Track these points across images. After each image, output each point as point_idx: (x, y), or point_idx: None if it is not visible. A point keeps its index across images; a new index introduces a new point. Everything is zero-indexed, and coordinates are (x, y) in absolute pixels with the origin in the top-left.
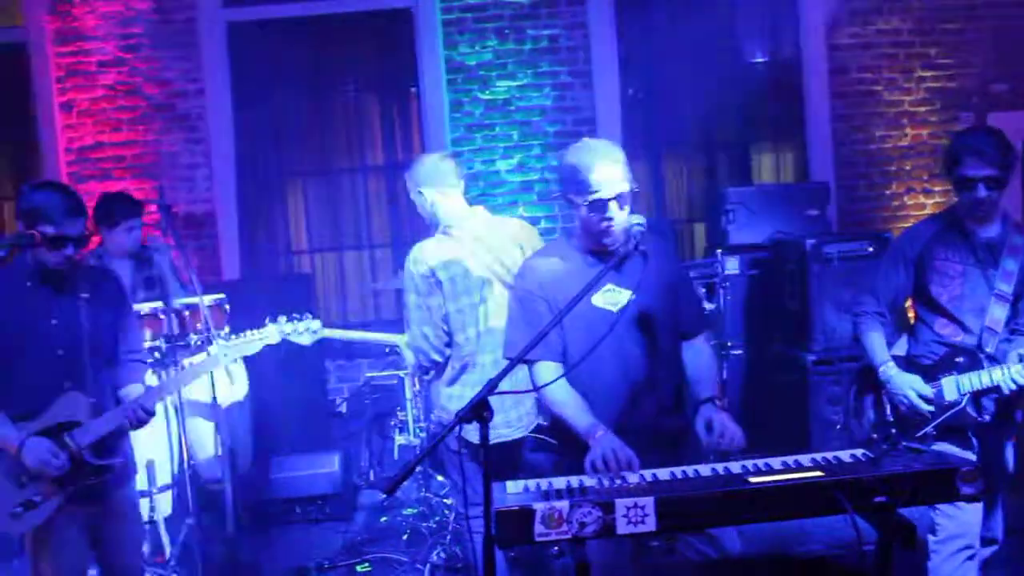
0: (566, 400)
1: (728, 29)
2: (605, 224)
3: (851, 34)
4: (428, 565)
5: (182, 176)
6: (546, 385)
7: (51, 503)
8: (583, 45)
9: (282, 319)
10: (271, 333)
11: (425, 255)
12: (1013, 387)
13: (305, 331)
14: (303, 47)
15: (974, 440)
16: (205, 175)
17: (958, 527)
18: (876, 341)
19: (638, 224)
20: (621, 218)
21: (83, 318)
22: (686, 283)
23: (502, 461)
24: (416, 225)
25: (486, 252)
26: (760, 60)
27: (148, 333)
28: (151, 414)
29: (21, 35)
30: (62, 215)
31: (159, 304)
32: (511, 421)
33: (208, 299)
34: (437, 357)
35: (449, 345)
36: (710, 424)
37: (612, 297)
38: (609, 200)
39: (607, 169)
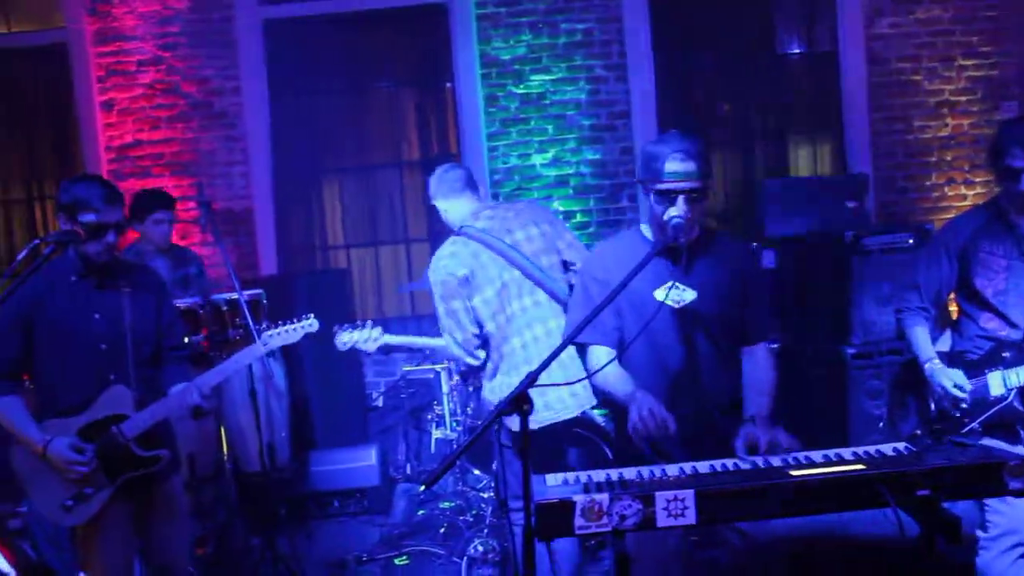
0: (614, 375)
1: (764, 19)
2: (671, 217)
3: (890, 23)
4: (465, 558)
5: (220, 173)
6: (598, 370)
7: (102, 495)
8: (617, 39)
9: (345, 334)
10: (312, 323)
11: (440, 261)
12: None
13: (368, 339)
14: (338, 43)
15: (1022, 433)
16: (242, 172)
17: (1010, 523)
18: (921, 336)
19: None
20: (690, 215)
21: (125, 312)
22: (758, 289)
23: (547, 447)
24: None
25: (497, 238)
26: (797, 51)
27: (189, 329)
28: (209, 399)
29: (62, 36)
30: (101, 202)
31: (199, 299)
32: (564, 399)
33: (246, 294)
34: (472, 360)
35: (483, 347)
36: (751, 445)
37: (675, 294)
38: (677, 194)
39: (681, 163)
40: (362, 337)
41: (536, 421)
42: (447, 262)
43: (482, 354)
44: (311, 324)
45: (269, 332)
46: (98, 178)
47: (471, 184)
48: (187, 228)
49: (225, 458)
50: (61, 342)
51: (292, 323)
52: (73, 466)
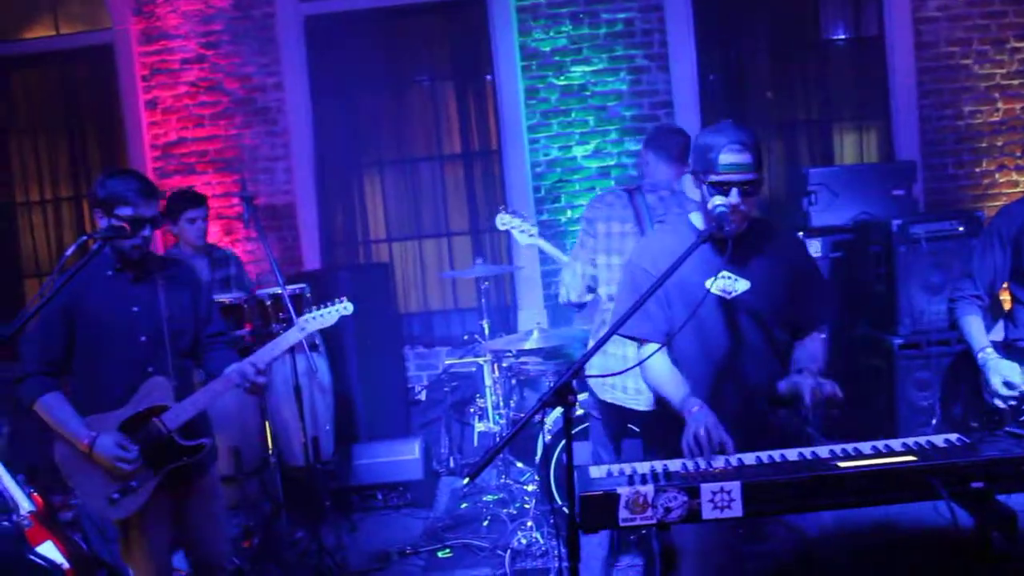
0: (666, 377)
1: (808, 4)
2: (716, 206)
3: (938, 6)
4: (509, 551)
5: (263, 169)
6: (643, 361)
7: (148, 487)
8: (659, 28)
9: (507, 216)
10: (347, 305)
11: (596, 197)
12: None
13: (524, 231)
14: (378, 38)
15: None
16: (285, 167)
17: None
18: (974, 325)
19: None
20: (744, 206)
21: (162, 304)
22: (813, 282)
23: (621, 423)
24: (493, 213)
25: (651, 223)
26: (842, 36)
27: (232, 323)
28: (263, 373)
29: (107, 37)
30: (137, 196)
31: (243, 295)
32: (628, 387)
33: (290, 289)
34: (573, 296)
35: (592, 291)
36: (793, 389)
37: (727, 284)
38: (732, 185)
39: (737, 154)
40: (519, 226)
41: (615, 398)
42: (597, 203)
43: (588, 297)
44: (346, 307)
45: (305, 316)
46: (134, 172)
47: (680, 159)
48: (231, 224)
49: (270, 452)
50: (102, 336)
51: (327, 306)
52: (119, 463)
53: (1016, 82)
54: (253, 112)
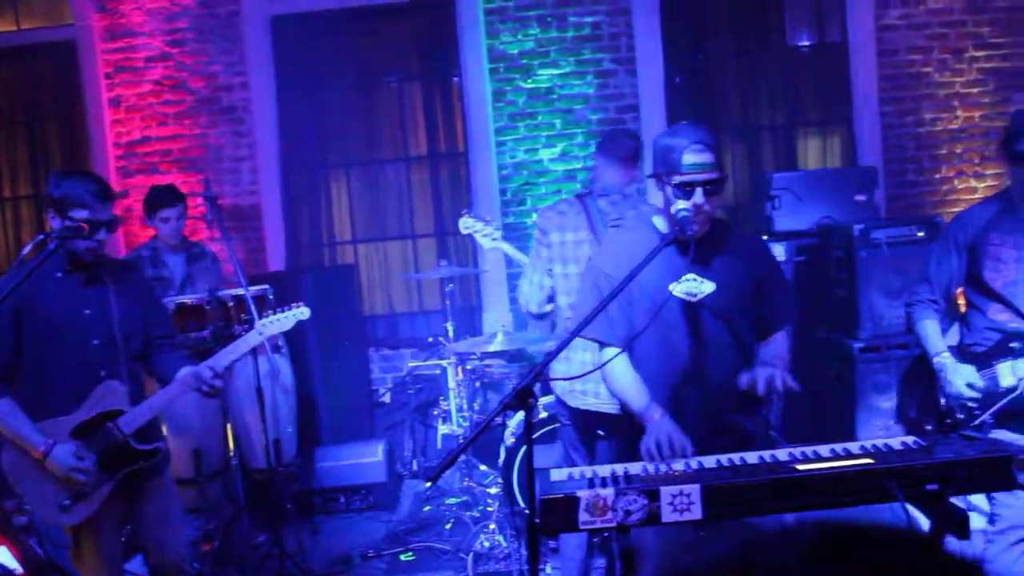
0: (627, 382)
1: (773, 11)
2: (679, 210)
3: (900, 14)
4: (472, 554)
5: (228, 169)
6: (603, 364)
7: (102, 492)
8: (626, 32)
9: (469, 219)
10: (304, 310)
11: (548, 208)
12: None
13: (487, 234)
14: (345, 39)
15: None
16: (250, 167)
17: (1017, 517)
18: (931, 330)
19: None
20: (707, 207)
21: (113, 307)
22: (776, 283)
23: (592, 428)
24: (458, 215)
25: (606, 229)
26: (806, 42)
27: (194, 324)
28: (221, 376)
29: (71, 33)
30: (94, 199)
31: (203, 295)
32: (600, 393)
33: (253, 290)
34: (532, 308)
35: (551, 301)
36: (752, 380)
37: (692, 286)
38: (696, 185)
39: (699, 154)
40: (482, 230)
41: (586, 404)
42: (549, 212)
43: (548, 307)
44: (303, 312)
45: (262, 320)
46: (91, 174)
47: (630, 160)
48: (194, 224)
49: (231, 454)
50: (52, 339)
51: (284, 310)
52: (75, 474)
53: (975, 91)
54: (218, 111)
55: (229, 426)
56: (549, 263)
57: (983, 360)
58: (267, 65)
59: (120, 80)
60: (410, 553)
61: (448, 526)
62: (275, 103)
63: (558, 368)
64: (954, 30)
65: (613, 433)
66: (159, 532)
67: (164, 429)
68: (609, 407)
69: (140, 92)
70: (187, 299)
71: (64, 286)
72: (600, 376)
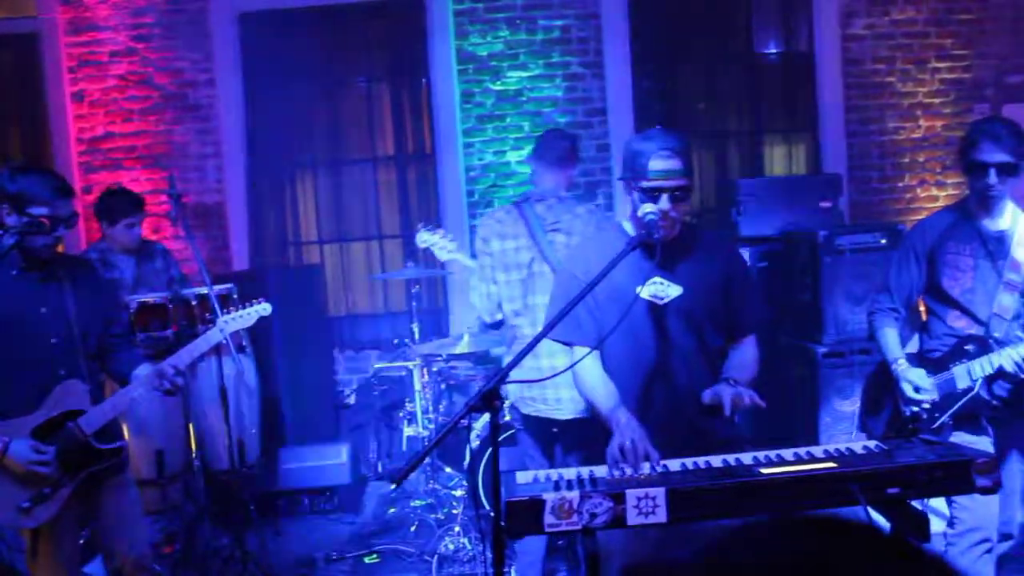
0: (596, 384)
1: (741, 18)
2: (646, 214)
3: (865, 24)
4: (436, 556)
5: (193, 166)
6: (572, 366)
7: (62, 494)
8: (595, 36)
9: (426, 233)
10: (265, 306)
11: (486, 217)
12: (1020, 363)
13: (444, 247)
14: (314, 37)
15: (989, 428)
16: (216, 165)
17: (976, 520)
18: (890, 338)
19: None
20: (674, 212)
21: (70, 306)
22: (745, 286)
23: (546, 434)
24: (425, 216)
25: (543, 230)
26: (773, 50)
27: (157, 323)
28: (182, 374)
29: (33, 25)
30: (54, 195)
31: (166, 294)
32: (548, 398)
33: (217, 288)
34: (486, 317)
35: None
36: (716, 398)
37: (659, 290)
38: (663, 192)
39: (666, 160)
40: (438, 243)
41: (537, 411)
42: (488, 220)
43: (499, 315)
44: (264, 308)
45: (224, 317)
46: (49, 170)
47: (562, 160)
48: (158, 222)
49: (194, 455)
50: (8, 337)
51: (246, 307)
52: (35, 468)
53: (937, 101)
54: (184, 108)
55: (192, 427)
56: (492, 271)
57: (941, 364)
58: (234, 62)
59: (84, 74)
60: (374, 555)
61: (413, 528)
62: (242, 101)
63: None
64: (917, 41)
65: (564, 438)
66: (120, 533)
67: (124, 429)
68: (559, 412)
69: (104, 87)
70: (150, 298)
71: (20, 284)
72: (554, 383)
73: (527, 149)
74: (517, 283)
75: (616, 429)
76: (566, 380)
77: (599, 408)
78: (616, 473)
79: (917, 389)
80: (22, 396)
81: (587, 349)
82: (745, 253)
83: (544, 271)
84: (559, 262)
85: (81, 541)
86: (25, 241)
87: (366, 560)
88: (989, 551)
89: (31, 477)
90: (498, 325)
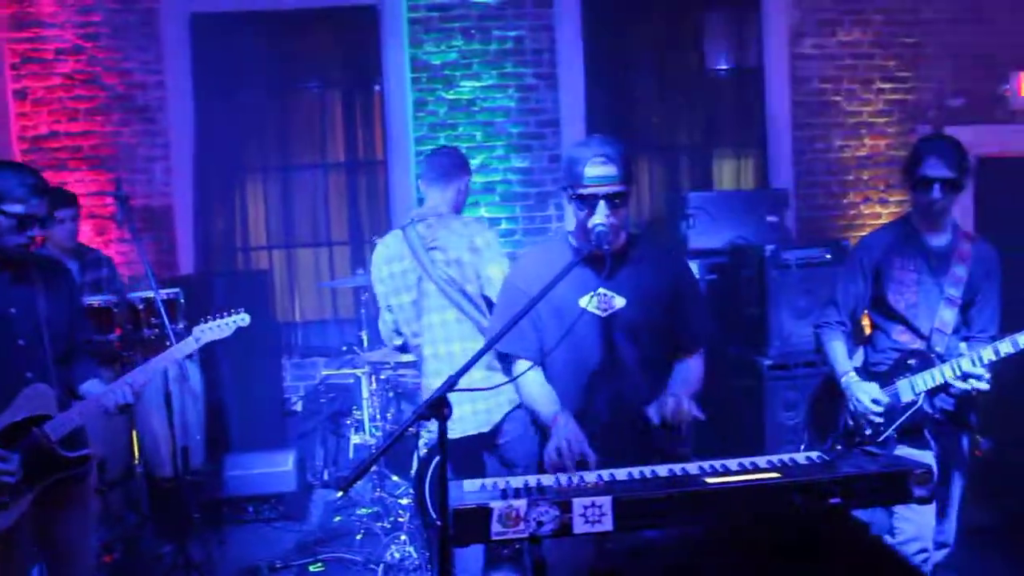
0: (538, 393)
1: (694, 34)
2: (593, 223)
3: (813, 44)
4: (382, 565)
5: (140, 168)
6: (516, 378)
7: (23, 503)
8: (548, 47)
9: None
10: (244, 317)
11: (379, 244)
12: (959, 379)
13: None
14: (267, 41)
15: (932, 441)
16: (163, 168)
17: (916, 529)
18: (838, 351)
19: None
20: (612, 219)
21: (41, 307)
22: (692, 299)
23: (467, 456)
24: (376, 224)
25: (424, 248)
26: (724, 67)
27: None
28: (137, 396)
29: None
30: (29, 193)
31: (113, 297)
32: (465, 416)
33: (163, 293)
34: (387, 343)
35: (399, 334)
36: (660, 411)
37: (603, 301)
38: (599, 198)
39: (601, 167)
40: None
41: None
42: (380, 247)
43: (399, 340)
44: (243, 318)
45: (200, 327)
46: (25, 167)
47: (444, 176)
48: (104, 224)
49: (136, 461)
50: None
51: (223, 317)
52: (0, 476)
53: (881, 120)
54: (132, 109)
55: (134, 432)
56: (386, 297)
57: (885, 378)
58: (185, 64)
59: (27, 71)
60: (319, 564)
61: (359, 537)
62: (192, 103)
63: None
64: (863, 62)
65: (454, 457)
66: (73, 545)
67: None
68: (451, 432)
69: (49, 85)
70: (95, 301)
71: None
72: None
73: (479, 159)
74: (410, 305)
75: (554, 431)
76: (469, 397)
77: (540, 414)
78: (563, 481)
79: (875, 401)
80: None
81: (529, 363)
82: (694, 265)
83: (430, 290)
84: (441, 279)
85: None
86: None
87: (311, 568)
88: (926, 560)
89: None
90: (404, 348)
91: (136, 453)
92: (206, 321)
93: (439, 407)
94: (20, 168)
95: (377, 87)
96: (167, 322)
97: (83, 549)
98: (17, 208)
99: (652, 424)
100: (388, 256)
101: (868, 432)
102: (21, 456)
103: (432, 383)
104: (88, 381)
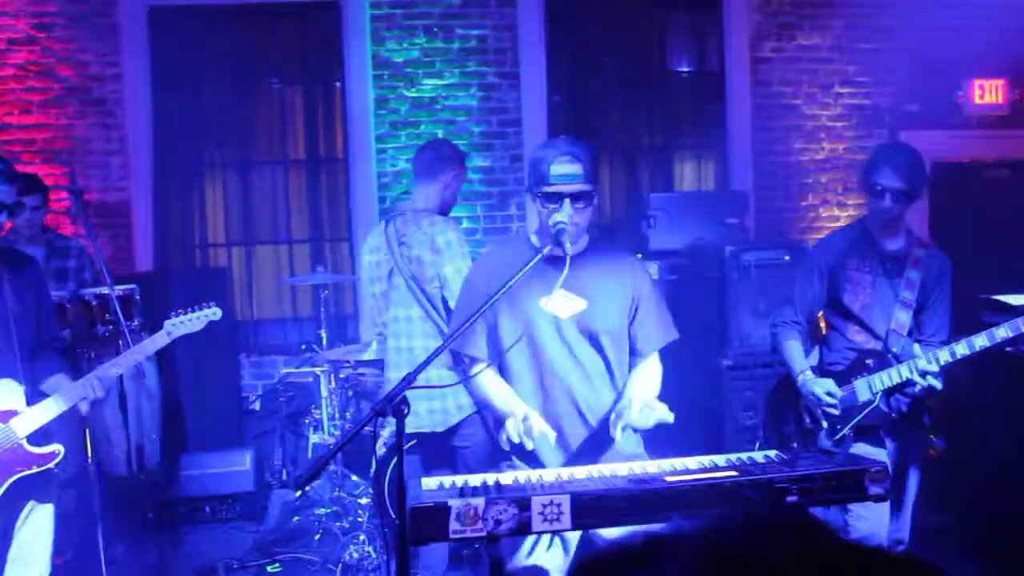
0: (492, 391)
1: (654, 38)
2: (557, 222)
3: (773, 48)
4: (340, 565)
5: (96, 163)
6: (470, 377)
7: None
8: (511, 47)
9: None
10: (216, 311)
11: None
12: (919, 376)
13: None
14: (227, 36)
15: (887, 440)
16: (120, 163)
17: (870, 527)
18: (795, 350)
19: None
20: (576, 219)
21: (8, 300)
22: (651, 304)
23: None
24: (336, 222)
25: (399, 242)
26: (685, 69)
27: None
28: (106, 391)
29: None
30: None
31: (63, 294)
32: (419, 412)
33: (118, 289)
34: (369, 331)
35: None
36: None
37: (563, 303)
38: (563, 197)
39: (567, 165)
40: None
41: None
42: (368, 238)
43: (378, 329)
44: (214, 312)
45: (171, 320)
46: None
47: (427, 172)
48: (58, 219)
49: (89, 460)
50: None
51: (195, 311)
52: None
53: (840, 124)
54: (88, 102)
55: (87, 430)
56: (366, 287)
57: (843, 378)
58: (143, 57)
59: None
60: (277, 564)
61: (317, 537)
62: (150, 97)
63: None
64: (822, 67)
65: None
66: (31, 548)
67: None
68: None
69: (1, 76)
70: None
71: None
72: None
73: None
74: (381, 296)
75: (513, 413)
76: (425, 394)
77: (496, 408)
78: (522, 479)
79: (829, 394)
80: None
81: (484, 364)
82: (654, 266)
83: (399, 284)
84: (408, 276)
85: None
86: None
87: (269, 569)
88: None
89: None
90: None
91: (89, 451)
92: (177, 315)
93: (397, 404)
94: None
95: (338, 84)
96: (122, 319)
97: (40, 556)
98: None
99: (607, 421)
100: (370, 246)
101: (825, 427)
102: None
103: (393, 376)
104: (53, 376)
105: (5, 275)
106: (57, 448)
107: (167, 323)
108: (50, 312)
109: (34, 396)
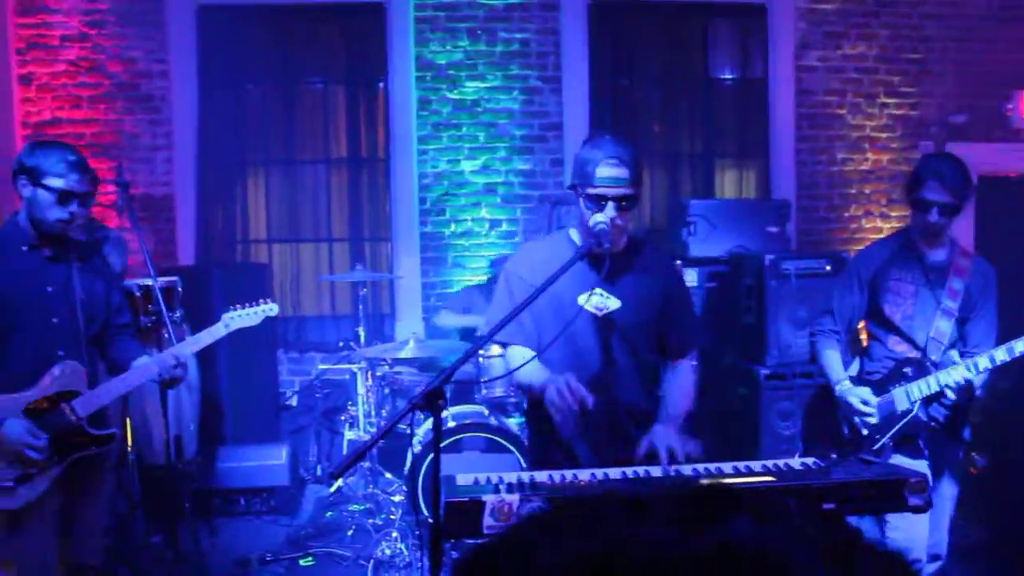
0: (532, 369)
1: (699, 42)
2: (599, 222)
3: (818, 56)
4: (372, 561)
5: (142, 158)
6: (517, 368)
7: (51, 475)
8: (554, 51)
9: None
10: (272, 306)
11: None
12: (958, 383)
13: None
14: (273, 35)
15: (925, 451)
16: (165, 158)
17: (907, 540)
18: (833, 360)
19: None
20: (618, 221)
21: (76, 286)
22: (683, 304)
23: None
24: (376, 221)
25: None
26: (729, 76)
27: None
28: (182, 366)
29: None
30: (71, 170)
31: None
32: None
33: (161, 281)
34: None
35: None
36: (650, 451)
37: (599, 301)
38: (608, 199)
39: (613, 169)
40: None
41: None
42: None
43: None
44: (271, 308)
45: (230, 314)
46: (69, 146)
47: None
48: (104, 212)
49: (129, 448)
50: (11, 313)
51: (253, 305)
52: (28, 451)
53: (884, 135)
54: (136, 98)
55: (128, 418)
56: None
57: (881, 387)
58: (190, 55)
59: (32, 57)
60: (310, 558)
61: (350, 532)
62: (196, 94)
63: None
64: (867, 76)
65: None
66: (87, 527)
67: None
68: None
69: (54, 72)
70: None
71: (27, 260)
72: None
73: (481, 159)
74: None
75: (550, 383)
76: None
77: (536, 384)
78: (556, 477)
79: (864, 402)
80: (18, 372)
81: (524, 348)
82: (693, 273)
83: None
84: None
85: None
86: (35, 216)
87: (301, 563)
88: (919, 572)
89: (19, 458)
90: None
91: (129, 440)
92: (235, 308)
93: (435, 398)
94: (62, 146)
95: (381, 84)
96: (164, 310)
97: (96, 532)
98: (58, 183)
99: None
100: None
101: (864, 434)
102: (50, 432)
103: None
104: (139, 357)
105: (75, 262)
106: (114, 431)
107: (225, 316)
108: (120, 298)
109: (96, 378)
